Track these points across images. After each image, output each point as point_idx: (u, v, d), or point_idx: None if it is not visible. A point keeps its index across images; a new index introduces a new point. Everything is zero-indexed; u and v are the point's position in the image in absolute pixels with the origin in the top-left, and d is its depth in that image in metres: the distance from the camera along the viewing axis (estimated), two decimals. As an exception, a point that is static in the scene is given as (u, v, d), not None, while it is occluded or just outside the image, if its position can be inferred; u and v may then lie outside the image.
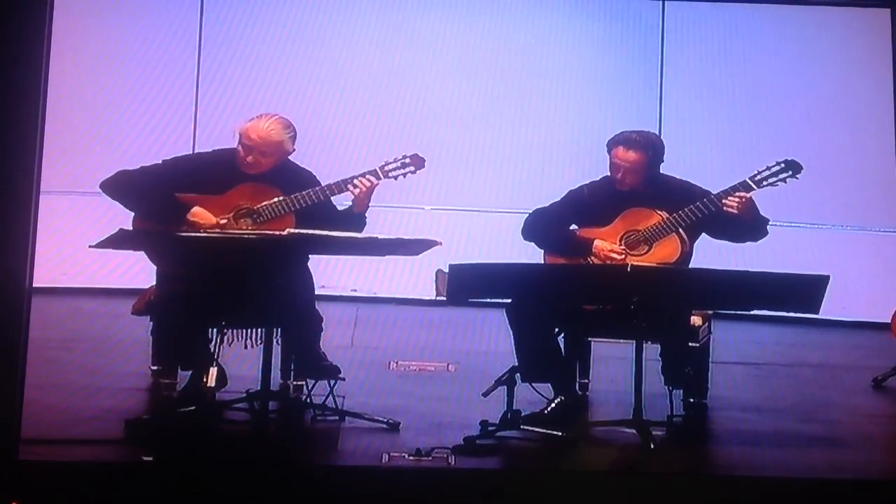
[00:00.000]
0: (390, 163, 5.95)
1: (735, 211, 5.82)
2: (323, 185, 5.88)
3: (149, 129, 7.86)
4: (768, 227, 5.97)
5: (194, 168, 5.91)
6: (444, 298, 5.64)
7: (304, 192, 5.83)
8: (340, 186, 5.87)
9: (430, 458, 5.40)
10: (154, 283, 5.92)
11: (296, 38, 8.01)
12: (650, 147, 5.96)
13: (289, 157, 5.94)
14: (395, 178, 5.95)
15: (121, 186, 5.82)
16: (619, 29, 8.08)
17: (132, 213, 5.83)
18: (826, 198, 7.94)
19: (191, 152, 6.31)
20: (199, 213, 5.81)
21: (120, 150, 7.73)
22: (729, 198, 5.83)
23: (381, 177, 5.91)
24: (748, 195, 5.84)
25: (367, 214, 5.91)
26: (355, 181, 5.86)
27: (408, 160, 5.96)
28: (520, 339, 5.83)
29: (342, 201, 5.97)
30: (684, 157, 6.42)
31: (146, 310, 5.90)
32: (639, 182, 5.96)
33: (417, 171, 5.97)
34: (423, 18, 8.06)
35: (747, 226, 5.89)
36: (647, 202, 5.95)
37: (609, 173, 6.00)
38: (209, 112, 7.87)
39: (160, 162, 5.93)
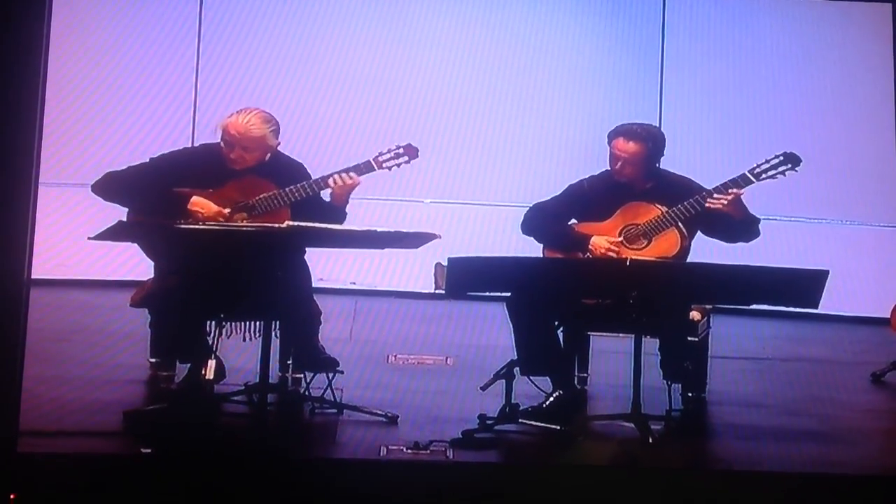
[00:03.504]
0: (384, 153, 5.93)
1: (721, 208, 5.79)
2: (314, 177, 5.86)
3: (148, 122, 7.86)
4: (761, 225, 5.93)
5: (184, 164, 5.88)
6: (443, 292, 5.64)
7: (298, 185, 5.81)
8: (328, 180, 5.85)
9: (429, 451, 5.39)
10: (152, 275, 5.92)
11: (295, 31, 8.01)
12: (650, 139, 5.95)
13: (280, 150, 5.92)
14: (390, 168, 5.93)
15: (112, 187, 5.80)
16: (619, 23, 8.07)
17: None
18: (826, 192, 7.94)
19: (180, 148, 6.26)
20: (199, 203, 5.80)
21: (120, 142, 7.73)
22: (713, 197, 5.79)
23: (375, 168, 5.89)
24: (739, 192, 5.80)
25: (347, 209, 5.86)
26: (334, 177, 5.82)
27: (401, 150, 5.95)
28: (519, 333, 5.82)
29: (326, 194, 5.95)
30: (684, 150, 6.43)
31: (144, 302, 5.89)
32: (637, 175, 5.95)
33: (411, 161, 5.96)
34: (422, 12, 8.05)
35: (736, 224, 5.87)
36: (646, 196, 5.95)
37: (609, 167, 6.00)
38: (208, 104, 7.86)
39: (147, 160, 5.91)
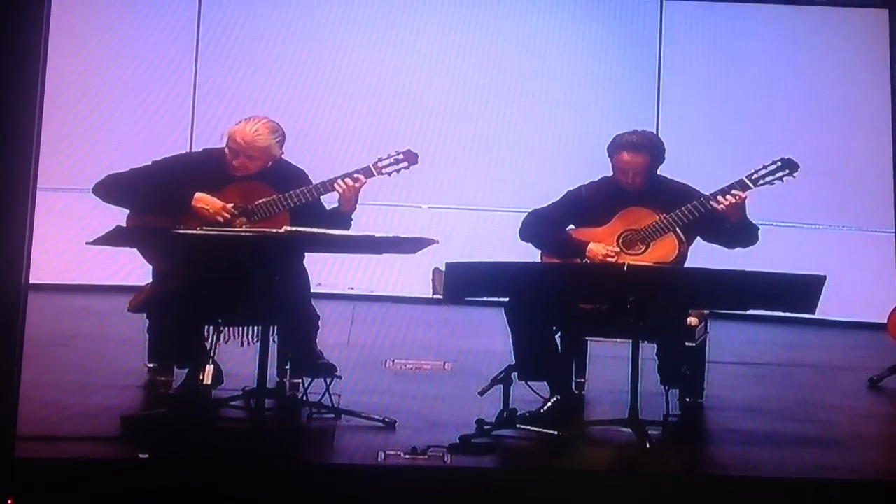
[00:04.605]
0: (383, 159, 5.94)
1: (723, 208, 5.79)
2: (315, 183, 5.86)
3: (146, 126, 7.87)
4: (759, 232, 5.94)
5: (185, 168, 5.89)
6: (441, 297, 5.64)
7: (297, 190, 5.81)
8: (330, 185, 5.85)
9: (426, 456, 5.39)
10: (150, 280, 5.92)
11: (293, 36, 8.02)
12: (652, 147, 5.98)
13: (282, 157, 5.92)
14: (389, 174, 5.93)
15: (114, 187, 5.81)
16: (617, 28, 8.09)
17: (127, 211, 5.83)
18: (823, 198, 7.95)
19: (181, 152, 6.27)
20: (203, 199, 5.80)
21: (118, 148, 7.73)
22: (726, 196, 5.81)
23: (375, 173, 5.90)
24: (743, 195, 5.82)
25: (353, 215, 5.87)
26: (340, 180, 5.83)
27: (401, 156, 5.95)
28: (517, 338, 5.82)
29: (332, 200, 5.94)
30: (682, 156, 6.42)
31: (142, 307, 5.89)
32: (643, 183, 5.97)
33: (411, 167, 5.96)
34: (420, 17, 8.06)
35: (735, 228, 5.87)
36: (644, 202, 5.95)
37: (609, 175, 6.00)
38: (206, 109, 7.87)
39: (150, 163, 5.91)
